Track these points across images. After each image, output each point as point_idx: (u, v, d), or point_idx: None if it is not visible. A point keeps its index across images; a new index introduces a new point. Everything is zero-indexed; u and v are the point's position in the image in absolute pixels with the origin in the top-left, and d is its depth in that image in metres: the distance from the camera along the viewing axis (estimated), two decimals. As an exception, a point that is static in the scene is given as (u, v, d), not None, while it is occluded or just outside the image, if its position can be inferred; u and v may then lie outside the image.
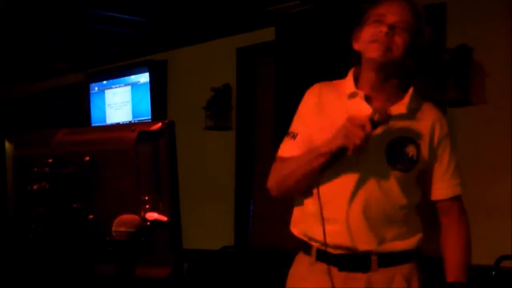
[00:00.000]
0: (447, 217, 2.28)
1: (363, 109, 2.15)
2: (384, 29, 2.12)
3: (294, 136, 2.27)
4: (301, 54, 4.34)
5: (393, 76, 2.20)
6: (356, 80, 2.26)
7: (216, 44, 5.74)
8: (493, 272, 3.61)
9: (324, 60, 3.54)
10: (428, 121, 2.24)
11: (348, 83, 2.26)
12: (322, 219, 2.15)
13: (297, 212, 2.32)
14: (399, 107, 2.19)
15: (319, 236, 2.17)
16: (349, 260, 2.18)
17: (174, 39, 5.89)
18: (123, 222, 1.71)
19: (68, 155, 1.83)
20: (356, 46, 2.23)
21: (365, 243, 2.17)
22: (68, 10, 4.98)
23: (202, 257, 5.18)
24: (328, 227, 2.15)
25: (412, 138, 2.20)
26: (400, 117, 2.18)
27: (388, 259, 2.19)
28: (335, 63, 3.60)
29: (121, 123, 6.35)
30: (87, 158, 1.78)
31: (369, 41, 2.15)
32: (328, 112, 2.23)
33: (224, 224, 5.55)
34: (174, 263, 1.71)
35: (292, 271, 2.33)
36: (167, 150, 1.70)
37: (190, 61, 6.00)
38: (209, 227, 5.63)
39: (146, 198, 1.71)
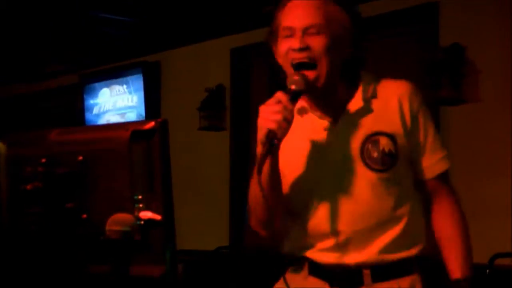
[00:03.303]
0: (437, 202, 2.03)
1: (316, 123, 1.98)
2: (296, 45, 1.89)
3: None
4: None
5: (333, 80, 1.94)
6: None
7: (210, 44, 5.74)
8: (487, 270, 3.62)
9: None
10: (392, 102, 1.95)
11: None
12: (309, 235, 2.00)
13: (286, 233, 2.09)
14: (355, 103, 1.96)
15: (309, 253, 2.01)
16: (340, 275, 1.97)
17: (167, 40, 5.89)
18: (117, 221, 1.70)
19: (61, 154, 1.82)
20: (281, 61, 1.98)
21: (353, 256, 1.96)
22: (62, 11, 4.97)
23: (196, 258, 5.17)
24: (317, 243, 1.99)
25: (382, 131, 1.93)
26: (361, 112, 1.95)
27: (384, 272, 1.96)
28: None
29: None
30: (81, 157, 1.78)
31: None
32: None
33: (219, 224, 5.54)
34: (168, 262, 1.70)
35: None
36: (160, 149, 1.70)
37: (184, 62, 6.00)
38: (204, 227, 5.62)
39: (140, 197, 1.71)
